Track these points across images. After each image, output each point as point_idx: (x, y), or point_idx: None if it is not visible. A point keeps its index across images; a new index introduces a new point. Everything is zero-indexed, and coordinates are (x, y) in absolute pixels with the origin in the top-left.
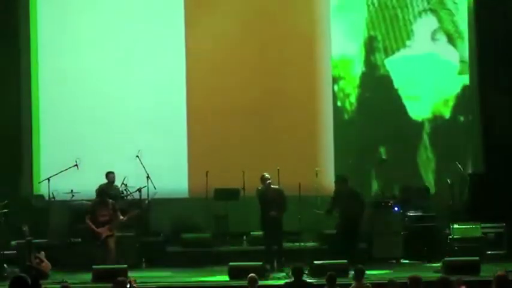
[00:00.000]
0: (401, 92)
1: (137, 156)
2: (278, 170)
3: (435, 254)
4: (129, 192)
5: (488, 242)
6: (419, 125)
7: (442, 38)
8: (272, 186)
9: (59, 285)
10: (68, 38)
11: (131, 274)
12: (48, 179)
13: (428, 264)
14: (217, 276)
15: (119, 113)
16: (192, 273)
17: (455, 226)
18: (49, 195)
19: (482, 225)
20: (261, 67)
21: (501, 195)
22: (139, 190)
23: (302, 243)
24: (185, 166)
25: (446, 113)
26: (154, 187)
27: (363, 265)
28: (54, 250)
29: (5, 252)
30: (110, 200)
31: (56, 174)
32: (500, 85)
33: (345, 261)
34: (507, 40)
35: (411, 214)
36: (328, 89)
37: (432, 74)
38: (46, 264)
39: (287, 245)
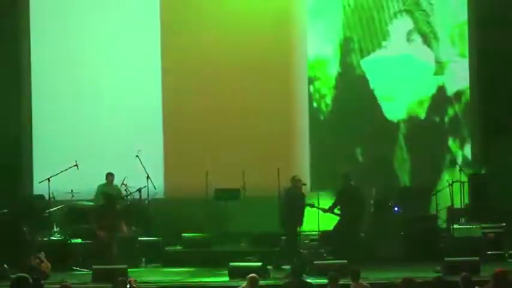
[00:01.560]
0: (376, 93)
1: (137, 156)
2: (278, 169)
3: (435, 254)
4: (129, 192)
5: (488, 242)
6: (394, 126)
7: (418, 39)
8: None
9: (58, 285)
10: (61, 38)
11: (131, 274)
12: (48, 179)
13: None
14: (217, 277)
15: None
16: (192, 273)
17: (455, 226)
18: (49, 195)
19: (482, 225)
20: (236, 69)
21: (501, 195)
22: (139, 190)
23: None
24: (161, 167)
25: (422, 114)
26: (154, 187)
27: (361, 264)
28: (54, 250)
29: (5, 252)
30: (118, 206)
31: (56, 174)
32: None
33: (345, 261)
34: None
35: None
36: (304, 89)
37: (408, 74)
38: (46, 264)
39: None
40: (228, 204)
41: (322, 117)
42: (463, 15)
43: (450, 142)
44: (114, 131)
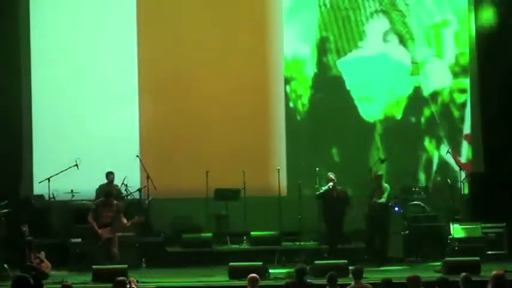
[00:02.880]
0: (353, 93)
1: (137, 156)
2: (278, 169)
3: (435, 254)
4: (129, 192)
5: (489, 242)
6: (371, 126)
7: (394, 39)
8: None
9: (59, 285)
10: (61, 38)
11: (132, 274)
12: (48, 179)
13: (429, 264)
14: (217, 276)
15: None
16: (192, 273)
17: (456, 226)
18: (49, 195)
19: (483, 225)
20: (213, 68)
21: (501, 195)
22: (139, 190)
23: (302, 243)
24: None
25: (398, 114)
26: (154, 187)
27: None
28: (54, 250)
29: (5, 252)
30: (115, 202)
31: (56, 174)
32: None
33: (345, 261)
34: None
35: (411, 214)
36: (280, 89)
37: (384, 75)
38: (46, 264)
39: (287, 244)
40: (228, 204)
41: (298, 117)
42: (439, 16)
43: (426, 142)
44: (115, 130)
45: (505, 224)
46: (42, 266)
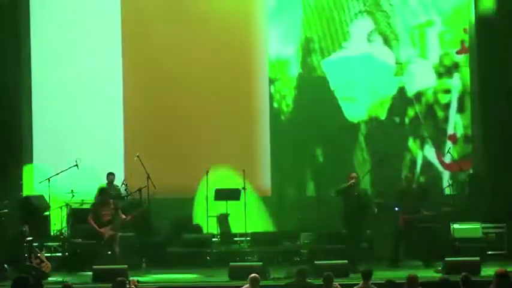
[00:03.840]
0: (337, 94)
1: (137, 156)
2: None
3: (435, 254)
4: (129, 193)
5: (489, 242)
6: (355, 127)
7: (378, 39)
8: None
9: (59, 285)
10: (61, 37)
11: (132, 274)
12: (48, 179)
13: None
14: (217, 276)
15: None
16: (192, 273)
17: (456, 226)
18: (49, 195)
19: (483, 225)
20: (197, 68)
21: (501, 195)
22: (139, 190)
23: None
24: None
25: (382, 115)
26: (154, 187)
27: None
28: (54, 250)
29: (5, 252)
30: (111, 200)
31: (56, 174)
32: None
33: (345, 261)
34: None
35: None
36: (264, 90)
37: (368, 75)
38: (46, 264)
39: (287, 244)
40: (228, 204)
41: (282, 118)
42: (424, 16)
43: (410, 143)
44: (114, 130)
45: (505, 224)
46: (42, 266)
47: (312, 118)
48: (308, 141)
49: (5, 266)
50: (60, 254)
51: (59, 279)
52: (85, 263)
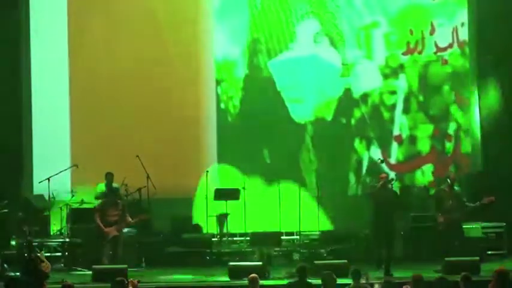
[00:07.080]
0: (284, 94)
1: (137, 156)
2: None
3: (435, 254)
4: (129, 193)
5: (489, 242)
6: (302, 128)
7: (325, 40)
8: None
9: (59, 285)
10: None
11: (131, 275)
12: (48, 179)
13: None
14: (217, 276)
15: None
16: (192, 273)
17: None
18: (49, 195)
19: (483, 225)
20: (143, 70)
21: (501, 195)
22: (139, 190)
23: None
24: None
25: (329, 116)
26: (154, 187)
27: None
28: (54, 250)
29: (5, 252)
30: (120, 201)
31: (56, 174)
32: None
33: (345, 261)
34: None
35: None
36: (211, 91)
37: (315, 76)
38: (46, 264)
39: (287, 244)
40: (228, 204)
41: (229, 119)
42: (369, 17)
43: (356, 143)
44: (115, 130)
45: (505, 224)
46: (42, 266)
47: (259, 119)
48: (255, 142)
49: (5, 265)
50: (60, 254)
51: (59, 279)
52: (84, 263)
